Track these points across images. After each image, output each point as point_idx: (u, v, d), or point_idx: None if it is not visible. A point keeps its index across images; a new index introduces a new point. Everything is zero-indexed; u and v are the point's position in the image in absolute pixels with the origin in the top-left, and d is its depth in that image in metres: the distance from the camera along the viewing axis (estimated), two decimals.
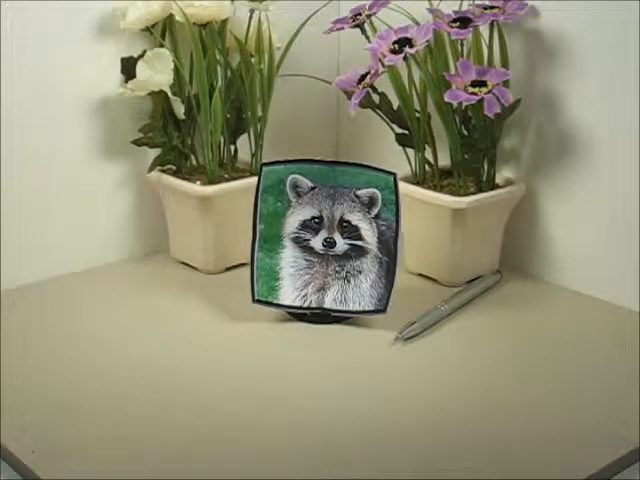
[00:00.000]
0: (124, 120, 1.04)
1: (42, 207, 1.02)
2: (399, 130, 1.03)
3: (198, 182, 1.02)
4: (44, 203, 1.02)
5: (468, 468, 0.72)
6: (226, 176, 1.04)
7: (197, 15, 0.96)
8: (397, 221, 0.92)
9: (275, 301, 0.93)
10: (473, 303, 0.98)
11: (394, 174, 0.91)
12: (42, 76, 0.98)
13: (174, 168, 1.05)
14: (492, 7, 0.97)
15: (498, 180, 1.03)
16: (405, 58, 0.95)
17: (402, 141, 1.03)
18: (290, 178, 0.93)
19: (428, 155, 1.03)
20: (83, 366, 0.85)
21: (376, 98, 1.01)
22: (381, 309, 0.92)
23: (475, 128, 0.99)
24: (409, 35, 0.95)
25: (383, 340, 0.90)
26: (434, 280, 1.03)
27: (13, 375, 0.83)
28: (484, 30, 0.98)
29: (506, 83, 0.97)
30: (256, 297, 0.93)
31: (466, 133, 1.00)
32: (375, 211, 0.93)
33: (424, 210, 1.00)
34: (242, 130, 1.06)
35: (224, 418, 0.78)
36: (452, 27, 0.94)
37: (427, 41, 0.94)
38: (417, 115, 1.01)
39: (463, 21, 0.94)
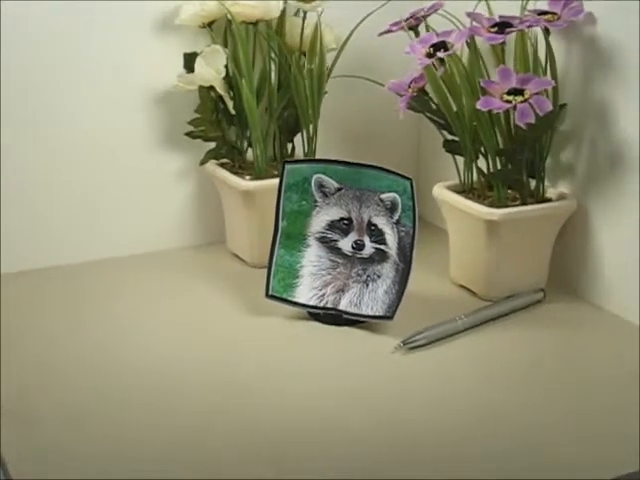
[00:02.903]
0: (187, 112, 1.07)
1: (109, 192, 1.08)
2: (449, 137, 1.00)
3: (247, 177, 1.05)
4: (111, 188, 1.08)
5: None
6: (275, 172, 1.06)
7: (244, 14, 0.98)
8: (414, 228, 0.90)
9: (290, 298, 0.94)
10: (506, 319, 0.95)
11: (410, 179, 0.90)
12: (111, 70, 1.04)
13: (231, 162, 1.08)
14: (545, 12, 0.93)
15: (551, 194, 0.99)
16: (442, 61, 0.93)
17: (450, 148, 1.00)
18: (315, 177, 0.93)
19: (482, 164, 1.00)
20: (101, 346, 0.89)
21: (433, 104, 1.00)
22: (389, 316, 0.91)
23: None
24: (447, 39, 0.93)
25: (389, 347, 0.88)
26: (473, 293, 1.00)
27: (40, 350, 0.88)
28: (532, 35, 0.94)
29: (555, 92, 0.93)
30: (270, 292, 0.94)
31: None
32: (397, 216, 0.91)
33: (462, 220, 0.97)
34: (299, 129, 1.07)
35: (207, 407, 0.79)
36: (490, 32, 0.91)
37: (467, 44, 0.92)
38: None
39: (502, 26, 0.91)
